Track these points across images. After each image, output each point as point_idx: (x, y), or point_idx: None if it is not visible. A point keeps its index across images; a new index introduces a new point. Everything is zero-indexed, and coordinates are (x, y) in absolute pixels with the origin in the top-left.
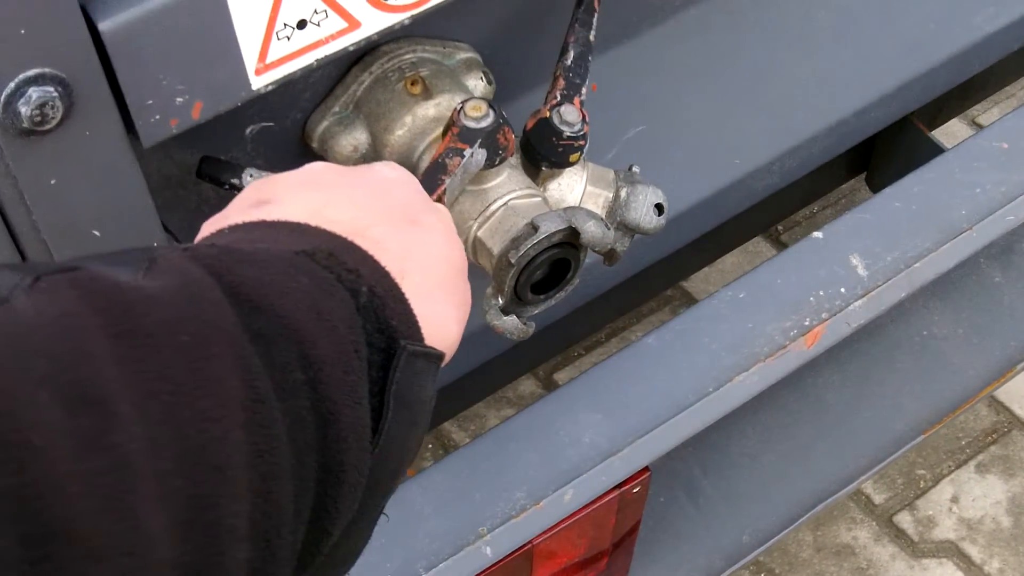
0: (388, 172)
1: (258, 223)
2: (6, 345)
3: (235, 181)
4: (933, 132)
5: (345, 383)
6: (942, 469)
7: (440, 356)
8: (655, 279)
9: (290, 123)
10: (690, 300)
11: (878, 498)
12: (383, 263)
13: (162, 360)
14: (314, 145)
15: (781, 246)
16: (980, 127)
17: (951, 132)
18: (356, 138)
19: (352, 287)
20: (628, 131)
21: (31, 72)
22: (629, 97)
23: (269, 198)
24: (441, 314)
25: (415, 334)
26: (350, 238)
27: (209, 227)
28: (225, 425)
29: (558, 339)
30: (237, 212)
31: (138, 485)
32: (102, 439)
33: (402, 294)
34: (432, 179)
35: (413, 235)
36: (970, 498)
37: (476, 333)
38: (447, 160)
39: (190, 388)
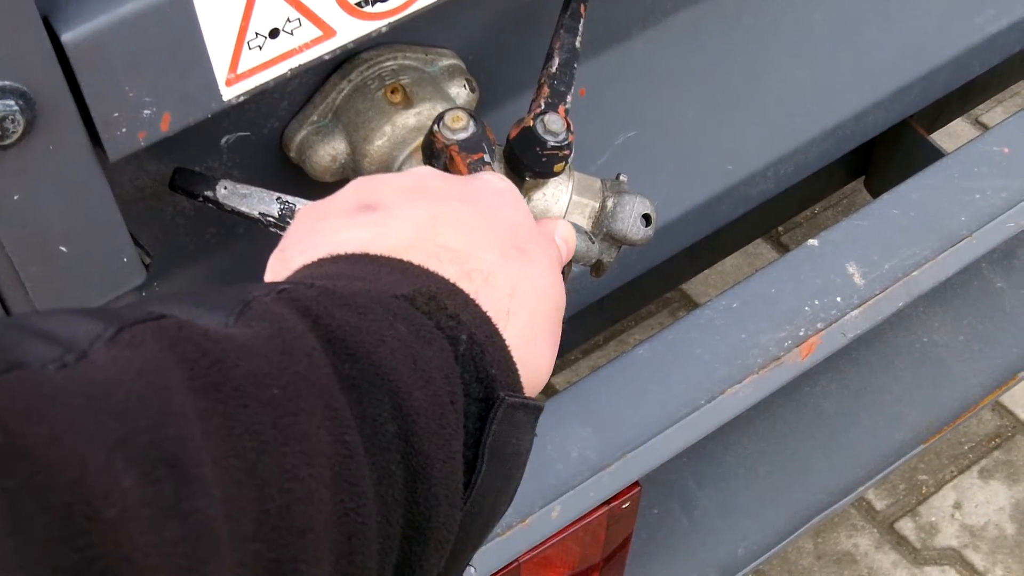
0: (496, 184)
1: (361, 256)
2: (82, 406)
3: (209, 193)
4: (934, 132)
5: (439, 436)
6: (944, 475)
7: (540, 408)
8: (650, 286)
9: (267, 132)
10: (689, 302)
11: (879, 504)
12: (487, 305)
13: (249, 415)
14: (292, 155)
15: (781, 247)
16: (983, 126)
17: (953, 131)
18: (335, 148)
19: (452, 335)
20: (618, 137)
21: None
22: (619, 102)
23: (375, 203)
24: (539, 358)
25: (514, 383)
26: (455, 278)
27: (306, 219)
28: (310, 484)
29: None
30: (339, 212)
31: (216, 553)
32: (180, 505)
33: (503, 341)
34: None
35: (520, 267)
36: (973, 504)
37: None
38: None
39: (277, 445)
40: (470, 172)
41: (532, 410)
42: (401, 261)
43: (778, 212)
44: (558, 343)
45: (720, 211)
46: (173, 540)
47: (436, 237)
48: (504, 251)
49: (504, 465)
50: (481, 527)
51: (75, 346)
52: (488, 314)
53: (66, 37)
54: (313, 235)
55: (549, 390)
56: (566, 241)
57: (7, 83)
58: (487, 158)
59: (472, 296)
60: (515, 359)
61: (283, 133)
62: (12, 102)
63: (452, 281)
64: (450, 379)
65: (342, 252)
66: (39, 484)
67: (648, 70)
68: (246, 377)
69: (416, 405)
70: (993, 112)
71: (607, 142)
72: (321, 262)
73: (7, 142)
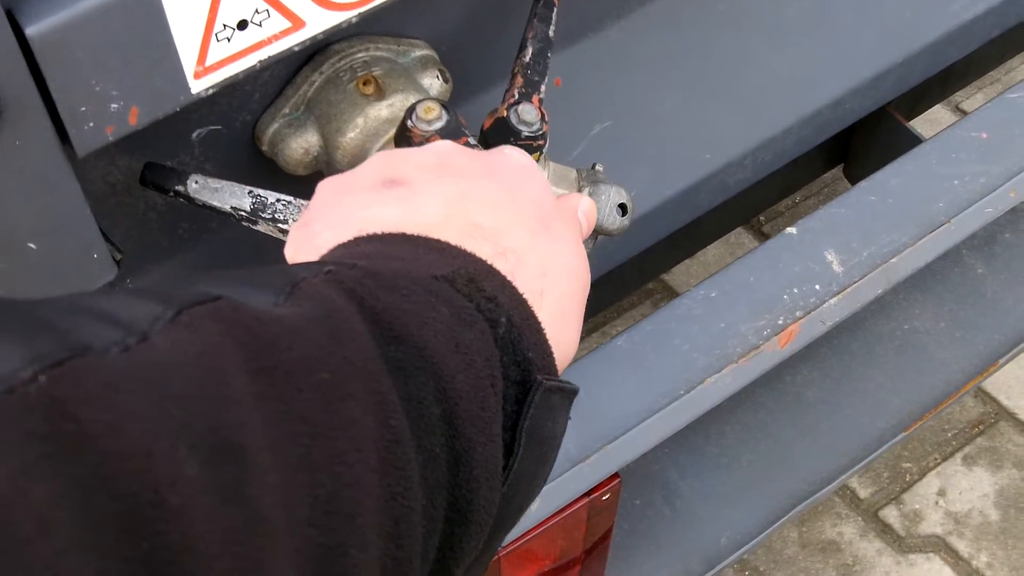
0: (518, 158)
1: (397, 235)
2: (144, 391)
3: (180, 188)
4: (915, 119)
5: (480, 419)
6: (928, 462)
7: (575, 391)
8: (630, 276)
9: (239, 126)
10: (671, 292)
11: (863, 492)
12: (522, 286)
13: (301, 400)
14: (264, 148)
15: (763, 237)
16: (964, 113)
17: (933, 118)
18: (307, 140)
19: (491, 317)
20: (594, 127)
21: None
22: (595, 92)
23: (401, 178)
24: (567, 337)
25: (550, 365)
26: (490, 258)
27: (328, 193)
28: (358, 470)
29: None
30: (364, 187)
31: (273, 540)
32: (239, 492)
33: (539, 323)
34: None
35: (548, 245)
36: (957, 491)
37: None
38: None
39: (326, 430)
40: None
41: (568, 393)
42: (438, 241)
43: (758, 201)
44: (582, 320)
45: (698, 200)
46: (234, 528)
47: (467, 214)
48: (532, 228)
49: (540, 448)
50: (516, 510)
51: (135, 328)
52: (524, 296)
53: (31, 31)
54: (339, 210)
55: None
56: (587, 217)
57: None
58: (472, 141)
59: (508, 277)
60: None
61: (255, 126)
62: None
63: (488, 261)
64: (490, 362)
65: (374, 231)
66: (106, 473)
67: (624, 59)
68: (298, 361)
69: (459, 388)
70: (973, 99)
71: (583, 132)
72: (357, 241)
73: None
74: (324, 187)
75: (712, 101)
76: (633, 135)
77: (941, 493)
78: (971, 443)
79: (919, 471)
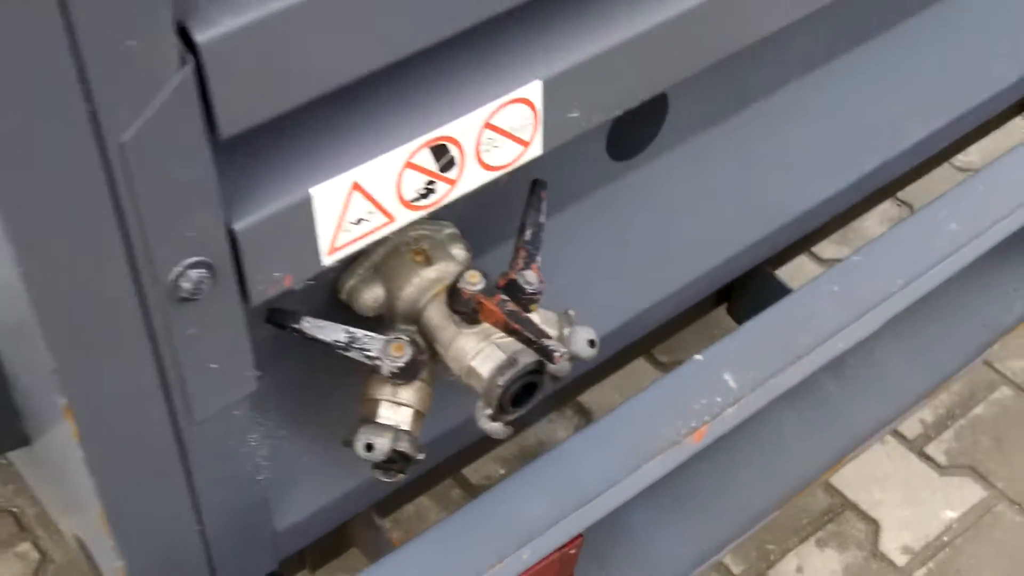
0: None
1: None
2: None
3: (295, 326)
4: (782, 268)
5: None
6: (788, 544)
7: None
8: (547, 404)
9: (326, 281)
10: (579, 407)
11: (736, 569)
12: None
13: None
14: (342, 296)
15: (652, 358)
16: (816, 256)
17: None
18: (375, 293)
19: None
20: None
21: (192, 259)
22: (556, 258)
23: None
24: None
25: None
26: None
27: None
28: None
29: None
30: None
31: None
32: None
33: None
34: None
35: None
36: (812, 569)
37: (454, 430)
38: (515, 312)
39: None
40: (500, 308)
41: None
42: None
43: (656, 337)
44: None
45: (622, 337)
46: None
47: None
48: None
49: None
50: None
51: None
52: None
53: (237, 227)
54: None
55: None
56: None
57: (202, 258)
58: (504, 297)
59: None
60: None
61: (336, 280)
62: (204, 271)
63: None
64: None
65: None
66: None
67: (565, 241)
68: None
69: None
70: (828, 240)
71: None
72: None
73: (197, 298)
74: None
75: (630, 265)
76: (578, 289)
77: (799, 570)
78: (822, 528)
79: (781, 552)
